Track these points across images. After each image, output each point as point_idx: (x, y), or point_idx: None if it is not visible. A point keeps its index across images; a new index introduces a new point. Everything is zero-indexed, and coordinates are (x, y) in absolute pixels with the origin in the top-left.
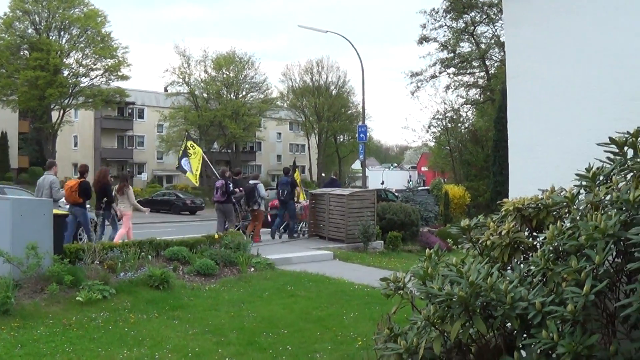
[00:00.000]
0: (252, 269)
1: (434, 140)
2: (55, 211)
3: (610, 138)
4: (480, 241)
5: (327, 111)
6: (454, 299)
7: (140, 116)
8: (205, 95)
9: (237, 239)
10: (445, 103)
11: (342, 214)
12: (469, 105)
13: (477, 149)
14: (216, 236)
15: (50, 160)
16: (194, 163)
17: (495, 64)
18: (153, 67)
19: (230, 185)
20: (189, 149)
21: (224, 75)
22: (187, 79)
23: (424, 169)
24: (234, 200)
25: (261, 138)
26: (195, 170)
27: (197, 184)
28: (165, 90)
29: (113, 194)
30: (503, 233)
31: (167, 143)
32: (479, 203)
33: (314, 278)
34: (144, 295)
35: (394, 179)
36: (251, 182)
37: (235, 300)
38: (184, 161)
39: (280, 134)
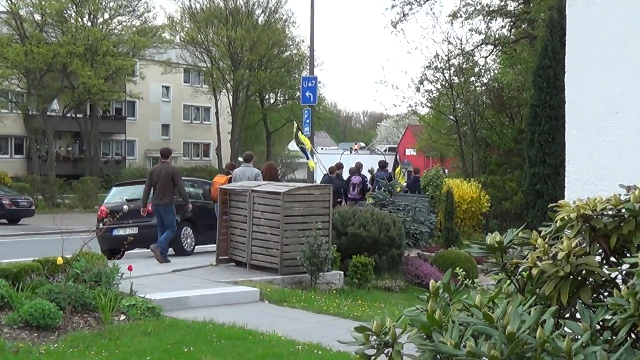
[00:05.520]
0: (123, 317)
1: (428, 104)
2: None
3: None
4: (520, 269)
5: (249, 52)
6: None
7: None
8: (38, 18)
9: (95, 267)
10: (449, 42)
11: (274, 224)
12: (491, 47)
13: (502, 119)
14: (59, 260)
15: (250, 153)
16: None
17: None
18: None
19: (368, 182)
20: (301, 138)
21: None
22: None
23: (410, 152)
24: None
25: (135, 95)
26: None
27: (313, 169)
28: None
29: None
30: (560, 256)
31: None
32: (505, 211)
33: (227, 333)
34: None
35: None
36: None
37: None
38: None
39: (168, 88)
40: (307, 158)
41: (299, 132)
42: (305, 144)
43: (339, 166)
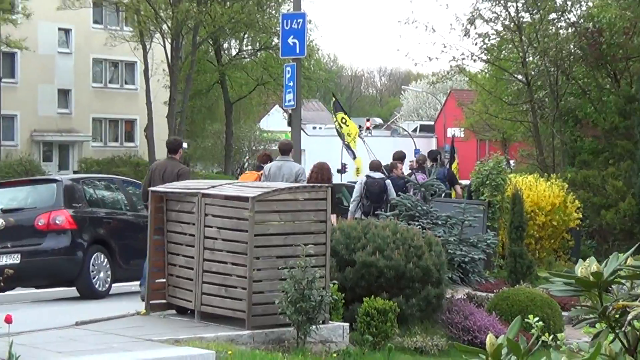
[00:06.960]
0: None
1: (483, 56)
2: None
3: None
4: (630, 317)
5: None
6: None
7: None
8: None
9: None
10: None
11: (238, 249)
12: None
13: (600, 80)
14: None
15: (288, 141)
16: (352, 144)
17: None
18: None
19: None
20: (341, 124)
21: None
22: None
23: (455, 132)
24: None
25: (16, 44)
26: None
27: (357, 176)
28: None
29: None
30: None
31: None
32: (606, 225)
33: None
34: None
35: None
36: (375, 175)
37: None
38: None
39: (68, 33)
40: (354, 157)
41: (341, 114)
42: (349, 132)
43: (401, 157)
